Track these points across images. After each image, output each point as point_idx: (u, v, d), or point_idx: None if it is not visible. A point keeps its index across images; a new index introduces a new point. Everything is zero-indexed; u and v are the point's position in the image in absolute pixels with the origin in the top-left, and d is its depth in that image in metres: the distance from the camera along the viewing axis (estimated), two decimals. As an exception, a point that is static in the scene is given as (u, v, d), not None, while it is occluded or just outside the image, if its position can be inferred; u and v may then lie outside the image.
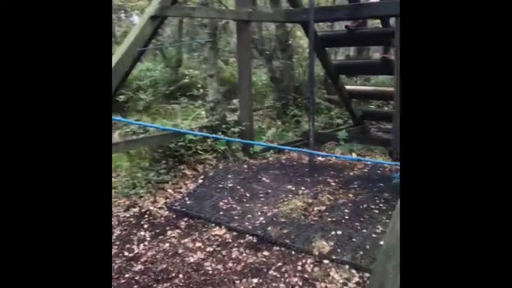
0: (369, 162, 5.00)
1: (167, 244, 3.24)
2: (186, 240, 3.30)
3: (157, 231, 3.48)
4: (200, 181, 4.50)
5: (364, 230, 3.28)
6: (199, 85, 8.62)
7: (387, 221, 3.33)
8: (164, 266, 2.95)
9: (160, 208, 3.92)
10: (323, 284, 2.67)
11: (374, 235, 3.18)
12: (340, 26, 8.88)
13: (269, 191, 4.21)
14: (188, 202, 3.98)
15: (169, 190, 4.25)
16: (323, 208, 3.73)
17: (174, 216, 3.76)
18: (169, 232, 3.45)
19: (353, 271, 2.79)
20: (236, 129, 5.26)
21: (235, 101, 8.69)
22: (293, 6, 5.70)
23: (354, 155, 5.59)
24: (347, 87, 6.83)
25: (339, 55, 11.70)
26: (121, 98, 7.74)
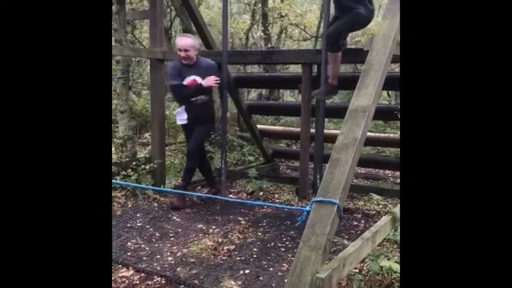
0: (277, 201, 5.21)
1: None
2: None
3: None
4: (107, 220, 4.34)
5: (271, 269, 3.40)
6: (110, 120, 8.37)
7: (292, 258, 3.49)
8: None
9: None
10: (230, 325, 2.71)
11: (279, 273, 3.31)
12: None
13: (180, 230, 4.19)
14: (93, 244, 3.81)
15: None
16: (233, 247, 3.80)
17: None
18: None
19: (259, 310, 2.87)
20: (147, 167, 5.20)
21: (147, 135, 8.56)
22: (207, 48, 5.90)
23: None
24: (259, 126, 7.14)
25: (252, 92, 12.14)
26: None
